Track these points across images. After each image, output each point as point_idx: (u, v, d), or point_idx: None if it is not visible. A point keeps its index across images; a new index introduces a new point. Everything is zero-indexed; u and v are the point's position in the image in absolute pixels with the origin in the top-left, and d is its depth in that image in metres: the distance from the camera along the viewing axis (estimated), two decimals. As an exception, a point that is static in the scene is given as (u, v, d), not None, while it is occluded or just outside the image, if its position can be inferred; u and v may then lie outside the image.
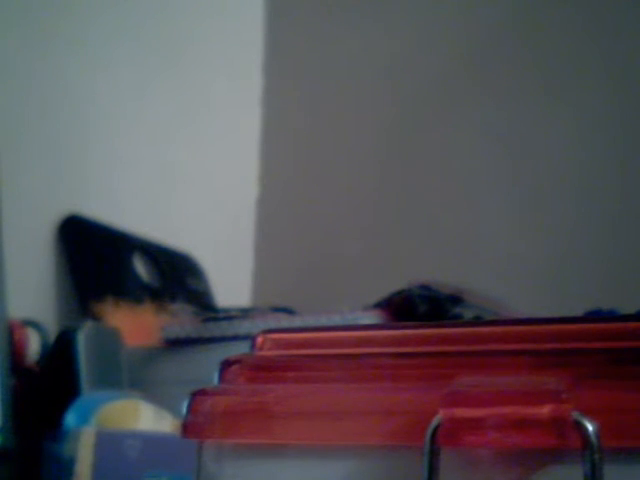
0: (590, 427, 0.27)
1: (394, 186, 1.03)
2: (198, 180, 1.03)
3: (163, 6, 1.01)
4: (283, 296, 0.94)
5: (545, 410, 0.28)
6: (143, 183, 0.97)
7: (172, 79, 1.01)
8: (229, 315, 0.77)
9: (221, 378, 0.34)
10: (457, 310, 0.69)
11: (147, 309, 0.84)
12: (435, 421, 0.29)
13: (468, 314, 0.69)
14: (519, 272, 0.92)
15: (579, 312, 0.58)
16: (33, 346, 0.70)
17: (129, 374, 0.71)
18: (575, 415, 0.27)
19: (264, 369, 0.34)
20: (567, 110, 0.93)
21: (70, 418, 0.60)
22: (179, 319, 0.80)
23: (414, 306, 0.70)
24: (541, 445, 0.28)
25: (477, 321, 0.57)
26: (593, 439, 0.27)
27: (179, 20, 1.03)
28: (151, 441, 0.58)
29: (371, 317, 0.70)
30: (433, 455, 0.29)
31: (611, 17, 0.91)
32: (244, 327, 0.73)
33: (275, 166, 1.11)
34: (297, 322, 0.72)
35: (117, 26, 0.95)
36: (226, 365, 0.34)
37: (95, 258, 0.87)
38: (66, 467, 0.56)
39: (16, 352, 0.68)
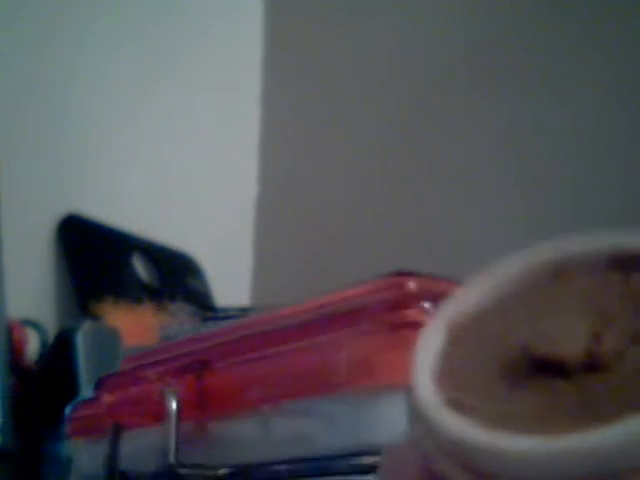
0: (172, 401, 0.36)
1: (394, 186, 1.03)
2: (197, 180, 1.03)
3: (163, 6, 1.01)
4: (282, 296, 0.94)
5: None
6: (142, 183, 0.97)
7: (171, 78, 1.01)
8: (228, 315, 0.77)
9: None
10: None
11: (146, 309, 0.84)
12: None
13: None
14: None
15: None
16: (32, 346, 0.70)
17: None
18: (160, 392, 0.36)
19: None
20: (570, 109, 0.93)
21: (69, 417, 0.60)
22: (178, 319, 0.79)
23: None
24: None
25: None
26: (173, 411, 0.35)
27: (178, 20, 1.03)
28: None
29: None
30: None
31: (612, 16, 0.91)
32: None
33: (274, 166, 1.11)
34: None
35: (117, 26, 0.95)
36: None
37: (94, 258, 0.87)
38: (65, 466, 0.56)
39: (15, 352, 0.68)
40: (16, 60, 0.84)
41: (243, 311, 0.79)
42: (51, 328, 0.74)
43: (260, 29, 1.13)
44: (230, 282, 1.04)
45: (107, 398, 0.37)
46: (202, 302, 0.94)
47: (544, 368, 0.21)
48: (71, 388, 0.65)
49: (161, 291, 0.90)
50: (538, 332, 0.22)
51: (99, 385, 0.44)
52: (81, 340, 0.67)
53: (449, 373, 0.22)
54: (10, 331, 0.67)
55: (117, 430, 0.37)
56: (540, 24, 0.95)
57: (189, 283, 0.95)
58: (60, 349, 0.68)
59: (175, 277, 0.94)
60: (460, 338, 0.24)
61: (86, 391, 0.64)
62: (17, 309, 0.70)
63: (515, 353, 0.22)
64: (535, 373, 0.21)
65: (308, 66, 1.11)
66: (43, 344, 0.70)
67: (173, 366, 0.37)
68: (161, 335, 0.77)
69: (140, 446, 0.38)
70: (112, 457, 0.37)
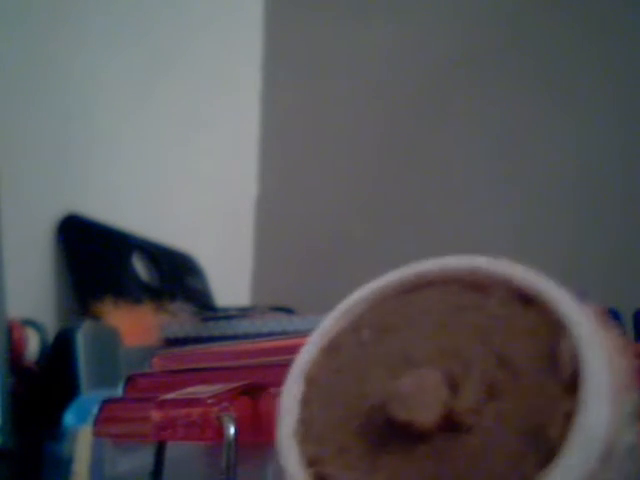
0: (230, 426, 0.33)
1: (393, 185, 1.03)
2: (197, 179, 1.03)
3: (163, 6, 1.01)
4: (283, 295, 0.94)
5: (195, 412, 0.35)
6: (143, 182, 0.97)
7: (171, 78, 1.01)
8: (228, 314, 0.77)
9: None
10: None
11: (146, 308, 0.84)
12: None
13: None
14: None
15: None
16: (32, 346, 0.70)
17: (128, 373, 0.71)
18: (217, 416, 0.33)
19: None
20: (566, 109, 0.93)
21: (69, 417, 0.60)
22: (178, 318, 0.79)
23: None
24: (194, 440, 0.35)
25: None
26: (231, 437, 0.33)
27: (178, 20, 1.03)
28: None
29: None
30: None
31: (610, 16, 0.91)
32: (243, 326, 0.73)
33: (274, 165, 1.11)
34: (297, 321, 0.72)
35: (116, 25, 0.95)
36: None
37: (94, 257, 0.87)
38: (65, 466, 0.56)
39: (15, 352, 0.68)
40: (16, 59, 0.84)
41: (243, 311, 0.79)
42: (51, 328, 0.74)
43: (260, 29, 1.13)
44: (230, 282, 1.04)
45: (155, 416, 0.35)
46: (202, 302, 0.94)
47: (404, 431, 0.20)
48: (71, 388, 0.65)
49: (161, 291, 0.90)
50: (394, 393, 0.20)
51: (129, 384, 0.43)
52: (81, 340, 0.67)
53: (309, 436, 0.21)
54: (10, 331, 0.67)
55: (162, 447, 0.36)
56: (538, 24, 0.95)
57: (189, 283, 0.95)
58: (60, 349, 0.68)
59: (175, 277, 0.94)
60: (317, 392, 0.22)
61: (89, 390, 0.64)
62: (17, 309, 0.70)
63: (374, 412, 0.21)
64: (396, 434, 0.20)
65: (308, 66, 1.11)
66: (43, 344, 0.70)
67: (226, 385, 0.35)
68: (161, 335, 0.77)
69: (181, 459, 0.37)
70: (156, 474, 0.36)
